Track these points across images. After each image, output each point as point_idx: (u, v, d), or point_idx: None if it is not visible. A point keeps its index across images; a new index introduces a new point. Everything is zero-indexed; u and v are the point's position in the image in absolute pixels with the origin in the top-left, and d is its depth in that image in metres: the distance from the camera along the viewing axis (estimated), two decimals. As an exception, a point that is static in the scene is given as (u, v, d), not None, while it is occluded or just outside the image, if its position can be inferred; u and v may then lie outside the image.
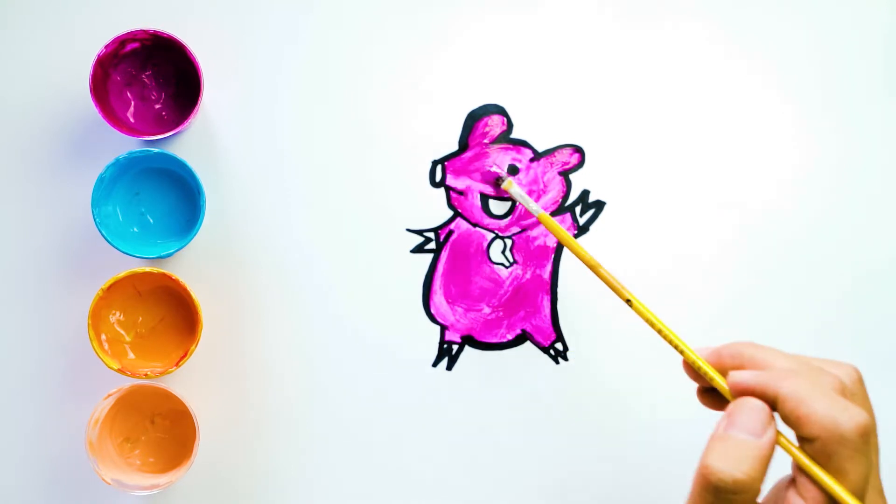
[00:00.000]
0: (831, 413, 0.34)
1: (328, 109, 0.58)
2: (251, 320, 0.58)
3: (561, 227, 0.55)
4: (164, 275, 0.54)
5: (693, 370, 0.42)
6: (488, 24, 0.59)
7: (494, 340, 0.59)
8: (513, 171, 0.59)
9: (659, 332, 0.46)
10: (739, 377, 0.38)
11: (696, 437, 0.58)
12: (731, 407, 0.37)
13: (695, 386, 0.43)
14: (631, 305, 0.48)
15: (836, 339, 0.59)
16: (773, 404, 0.36)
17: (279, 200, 0.58)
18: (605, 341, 0.59)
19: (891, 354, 0.59)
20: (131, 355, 0.57)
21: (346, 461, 0.58)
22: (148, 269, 0.54)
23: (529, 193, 0.59)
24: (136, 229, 0.57)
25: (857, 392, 0.37)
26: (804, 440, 0.35)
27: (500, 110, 0.59)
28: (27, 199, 0.58)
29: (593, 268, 0.51)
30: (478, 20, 0.59)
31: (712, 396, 0.42)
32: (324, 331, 0.58)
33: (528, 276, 0.59)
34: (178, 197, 0.57)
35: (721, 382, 0.40)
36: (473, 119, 0.59)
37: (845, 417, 0.34)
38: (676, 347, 0.44)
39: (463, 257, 0.59)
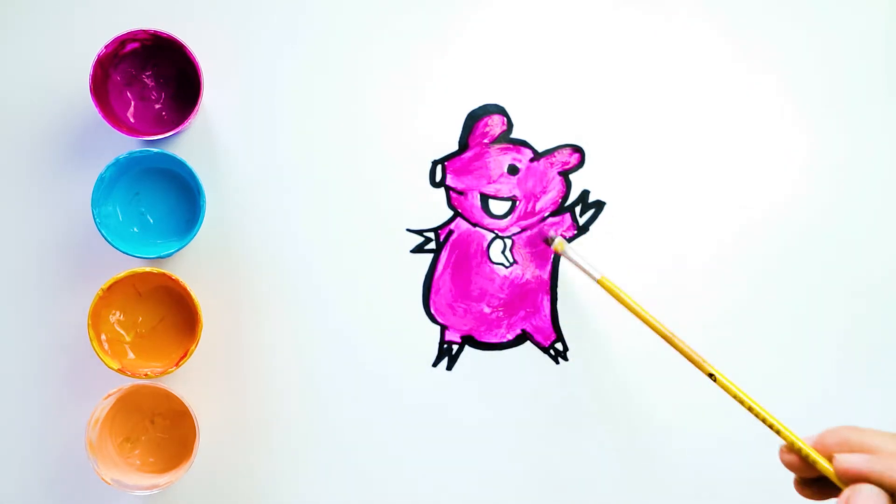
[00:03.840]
0: None
1: (328, 109, 0.58)
2: (251, 320, 0.58)
3: (624, 294, 0.52)
4: (164, 275, 0.54)
5: (791, 457, 0.40)
6: (488, 24, 0.59)
7: (494, 340, 0.59)
8: (513, 171, 0.59)
9: (749, 409, 0.43)
10: (850, 461, 0.36)
11: (695, 437, 0.59)
12: (847, 494, 0.36)
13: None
14: (715, 380, 0.45)
15: (837, 338, 0.59)
16: (890, 490, 0.35)
17: (279, 200, 0.58)
18: (605, 341, 0.58)
19: (892, 354, 0.59)
20: (131, 355, 0.57)
21: (345, 461, 0.58)
22: (148, 269, 0.54)
23: (530, 193, 0.59)
24: (136, 229, 0.57)
25: None
26: None
27: (500, 110, 0.59)
28: (27, 199, 0.58)
29: (667, 339, 0.48)
30: (478, 20, 0.59)
31: (813, 487, 0.40)
32: (323, 331, 0.58)
33: (528, 276, 0.59)
34: (178, 197, 0.57)
35: (826, 466, 0.38)
36: (473, 119, 0.59)
37: None
38: (772, 427, 0.41)
39: (463, 257, 0.59)
